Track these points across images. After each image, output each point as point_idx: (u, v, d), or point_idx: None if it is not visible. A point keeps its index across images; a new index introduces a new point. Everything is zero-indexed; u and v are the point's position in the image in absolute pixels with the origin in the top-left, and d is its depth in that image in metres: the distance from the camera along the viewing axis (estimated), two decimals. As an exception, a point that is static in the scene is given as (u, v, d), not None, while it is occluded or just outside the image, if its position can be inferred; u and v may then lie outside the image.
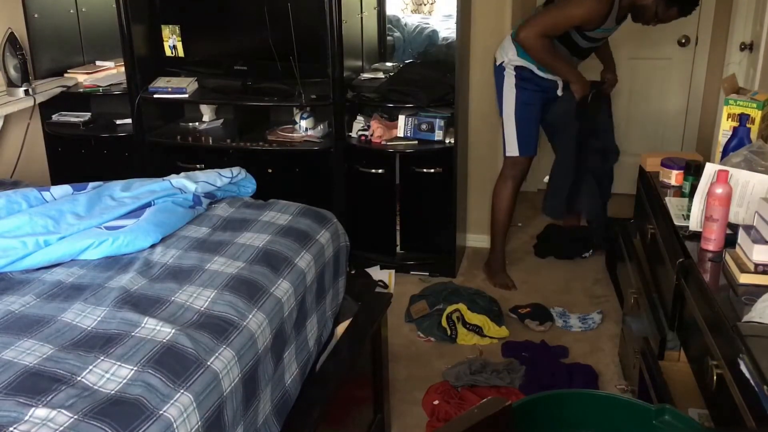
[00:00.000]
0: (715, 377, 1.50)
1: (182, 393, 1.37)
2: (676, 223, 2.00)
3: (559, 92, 3.26)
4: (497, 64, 3.27)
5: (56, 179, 3.70)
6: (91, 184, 2.22)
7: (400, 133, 3.41)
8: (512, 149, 3.28)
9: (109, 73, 3.85)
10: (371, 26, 3.85)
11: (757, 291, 1.57)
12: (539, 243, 3.84)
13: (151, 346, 1.46)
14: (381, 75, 3.64)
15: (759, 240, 1.65)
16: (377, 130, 3.41)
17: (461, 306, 3.06)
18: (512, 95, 3.22)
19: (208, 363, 1.46)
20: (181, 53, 3.64)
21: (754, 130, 2.13)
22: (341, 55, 3.33)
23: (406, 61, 3.86)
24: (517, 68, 3.18)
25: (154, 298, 1.66)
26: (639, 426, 1.48)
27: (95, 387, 1.35)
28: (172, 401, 1.34)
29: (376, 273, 3.49)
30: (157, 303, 1.64)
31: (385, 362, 2.38)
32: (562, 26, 3.04)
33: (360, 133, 3.48)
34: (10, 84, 3.43)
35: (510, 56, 3.19)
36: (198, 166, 3.39)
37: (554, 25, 3.03)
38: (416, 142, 3.40)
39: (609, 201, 3.60)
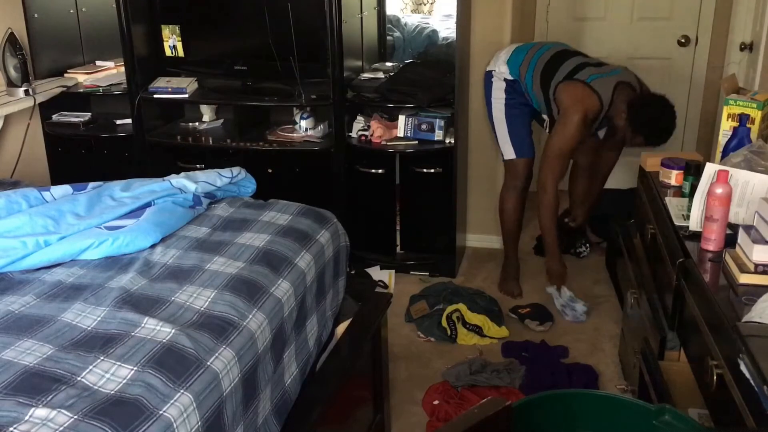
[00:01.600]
0: (715, 377, 1.50)
1: (182, 393, 1.37)
2: (676, 223, 2.00)
3: (544, 116, 3.23)
4: (487, 69, 3.29)
5: (56, 179, 3.70)
6: (91, 184, 2.22)
7: (400, 133, 3.41)
8: (508, 152, 3.27)
9: (109, 73, 3.85)
10: (371, 26, 3.85)
11: (757, 291, 1.57)
12: (538, 243, 3.84)
13: (151, 346, 1.46)
14: (381, 75, 3.64)
15: (759, 240, 1.65)
16: (377, 130, 3.41)
17: (461, 306, 3.06)
18: (501, 98, 3.22)
19: (208, 363, 1.46)
20: (181, 53, 3.64)
21: (754, 130, 2.13)
22: (341, 55, 3.33)
23: (406, 61, 3.86)
24: (508, 81, 3.20)
25: (154, 298, 1.66)
26: (639, 426, 1.48)
27: (95, 387, 1.35)
28: (172, 401, 1.34)
29: (376, 273, 3.49)
30: (157, 303, 1.64)
31: (385, 362, 2.38)
32: (567, 158, 3.14)
33: (360, 133, 3.48)
34: (10, 84, 3.43)
35: (501, 69, 3.21)
36: (198, 166, 3.39)
37: (562, 162, 3.09)
38: (416, 142, 3.40)
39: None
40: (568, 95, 2.98)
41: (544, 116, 3.21)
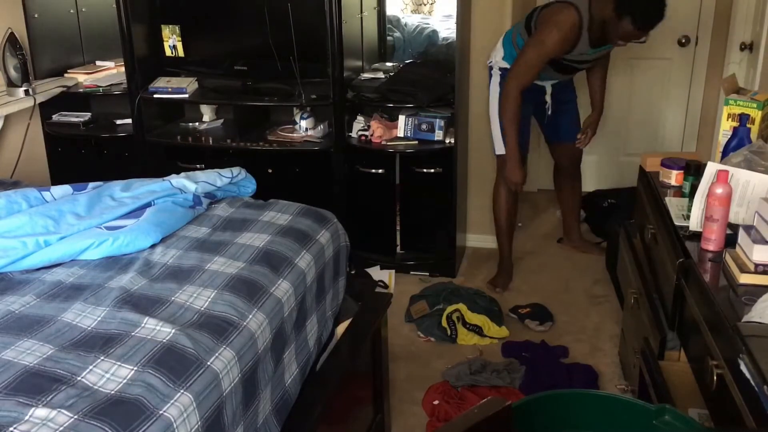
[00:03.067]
0: (715, 377, 1.50)
1: (182, 393, 1.37)
2: (676, 223, 2.00)
3: (547, 98, 3.25)
4: (488, 63, 3.31)
5: (56, 179, 3.70)
6: (91, 184, 2.22)
7: (400, 133, 3.41)
8: (499, 147, 3.28)
9: (109, 73, 3.85)
10: (371, 26, 3.85)
11: (757, 291, 1.57)
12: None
13: (151, 346, 1.46)
14: (381, 75, 3.64)
15: (759, 240, 1.65)
16: (377, 130, 3.41)
17: (461, 306, 3.06)
18: (497, 92, 3.22)
19: (208, 363, 1.46)
20: (181, 53, 3.64)
21: (754, 130, 2.13)
22: (341, 55, 3.33)
23: (406, 61, 3.86)
24: (502, 69, 3.20)
25: (154, 298, 1.66)
26: (639, 426, 1.48)
27: (95, 387, 1.35)
28: (172, 401, 1.34)
29: (376, 273, 3.49)
30: (157, 303, 1.64)
31: (385, 362, 2.38)
32: (535, 68, 3.00)
33: (360, 133, 3.48)
34: (10, 84, 3.43)
35: (497, 58, 3.22)
36: (198, 166, 3.39)
37: (527, 71, 3.00)
38: (416, 142, 3.40)
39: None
40: (544, 16, 2.98)
41: (547, 98, 3.24)
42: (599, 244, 3.86)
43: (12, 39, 3.38)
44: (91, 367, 1.40)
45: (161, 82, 3.60)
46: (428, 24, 4.30)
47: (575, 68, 3.18)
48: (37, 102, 3.49)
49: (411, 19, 4.33)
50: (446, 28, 4.16)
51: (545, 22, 2.95)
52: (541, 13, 3.01)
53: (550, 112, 3.32)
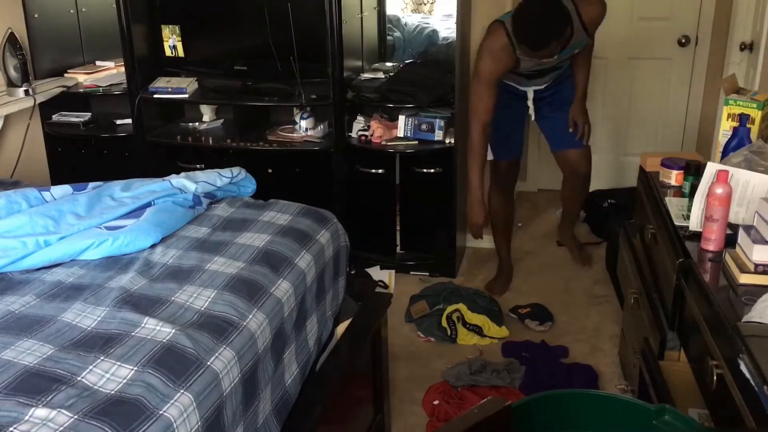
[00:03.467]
0: (715, 377, 1.50)
1: (182, 393, 1.37)
2: (676, 223, 2.00)
3: (529, 103, 3.16)
4: None
5: (56, 179, 3.70)
6: (91, 184, 2.22)
7: (400, 133, 3.41)
8: (489, 152, 3.22)
9: (109, 73, 3.85)
10: (371, 26, 3.85)
11: (757, 291, 1.57)
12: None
13: (151, 346, 1.46)
14: (381, 75, 3.64)
15: (759, 240, 1.65)
16: (377, 130, 3.41)
17: (461, 306, 3.06)
18: None
19: (208, 363, 1.46)
20: (181, 53, 3.64)
21: (754, 130, 2.13)
22: (341, 55, 3.33)
23: (406, 61, 3.86)
24: None
25: (154, 298, 1.66)
26: (639, 426, 1.48)
27: (95, 387, 1.35)
28: (172, 401, 1.34)
29: (376, 273, 3.49)
30: (157, 303, 1.64)
31: (385, 362, 2.38)
32: (485, 99, 2.87)
33: (360, 133, 3.48)
34: (10, 84, 3.43)
35: None
36: (198, 166, 3.39)
37: (480, 105, 2.89)
38: (416, 142, 3.40)
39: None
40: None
41: (528, 103, 3.18)
42: (599, 244, 3.85)
43: (12, 39, 3.38)
44: (91, 367, 1.40)
45: (161, 82, 3.60)
46: (428, 24, 4.30)
47: (544, 72, 3.04)
48: (37, 102, 3.49)
49: (411, 19, 4.33)
50: (446, 28, 4.16)
51: (479, 49, 2.90)
52: None
53: (534, 118, 3.21)
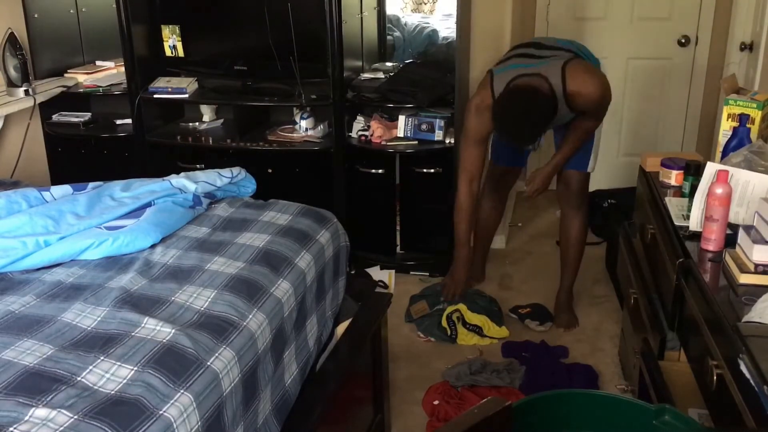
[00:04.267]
0: (715, 377, 1.50)
1: (182, 393, 1.37)
2: (676, 223, 2.00)
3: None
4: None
5: (56, 179, 3.70)
6: (91, 184, 2.22)
7: (400, 133, 3.41)
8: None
9: (109, 73, 3.85)
10: (371, 26, 3.85)
11: (757, 291, 1.57)
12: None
13: (151, 346, 1.46)
14: (381, 75, 3.64)
15: (759, 240, 1.65)
16: (377, 130, 3.41)
17: (461, 306, 3.06)
18: None
19: (208, 363, 1.46)
20: (181, 53, 3.64)
21: (754, 130, 2.13)
22: (341, 55, 3.33)
23: (406, 61, 3.86)
24: None
25: (154, 298, 1.66)
26: (639, 426, 1.48)
27: (95, 387, 1.35)
28: (172, 401, 1.34)
29: (376, 273, 3.49)
30: (157, 303, 1.64)
31: (385, 362, 2.38)
32: (472, 154, 2.88)
33: (360, 133, 3.48)
34: (10, 84, 3.43)
35: None
36: (198, 166, 3.39)
37: (467, 159, 2.90)
38: (416, 142, 3.40)
39: None
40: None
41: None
42: (599, 244, 3.85)
43: (12, 39, 3.38)
44: (91, 367, 1.40)
45: (161, 82, 3.60)
46: (428, 23, 4.30)
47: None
48: (37, 102, 3.49)
49: (411, 19, 4.33)
50: (446, 28, 4.16)
51: (467, 104, 2.88)
52: None
53: (535, 151, 3.16)
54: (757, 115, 2.12)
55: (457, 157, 3.40)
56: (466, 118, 2.87)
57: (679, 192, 2.24)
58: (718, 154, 2.19)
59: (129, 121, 3.62)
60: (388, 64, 3.89)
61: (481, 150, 2.88)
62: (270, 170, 3.50)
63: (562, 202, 3.15)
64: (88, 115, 3.76)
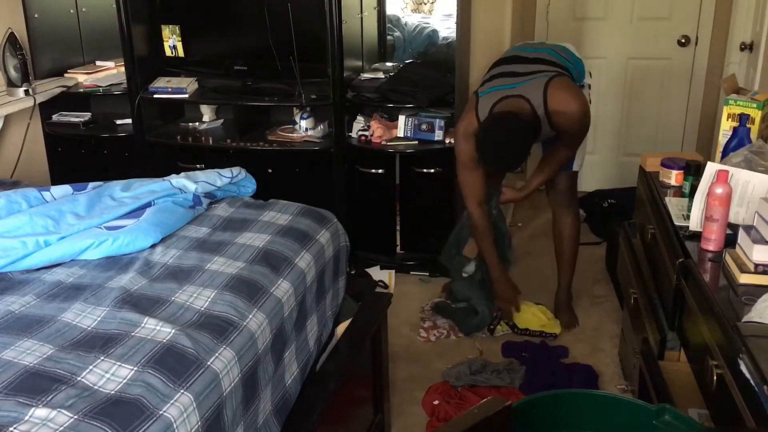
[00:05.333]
0: (715, 377, 1.50)
1: (182, 393, 1.37)
2: (676, 223, 2.00)
3: None
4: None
5: (56, 179, 3.70)
6: (91, 184, 2.22)
7: (400, 133, 3.41)
8: None
9: (109, 73, 3.86)
10: (371, 26, 3.85)
11: (757, 291, 1.57)
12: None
13: (151, 346, 1.46)
14: (381, 75, 3.64)
15: (759, 240, 1.65)
16: (377, 130, 3.41)
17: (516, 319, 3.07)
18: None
19: (208, 363, 1.46)
20: (181, 53, 3.64)
21: (754, 130, 2.13)
22: (341, 55, 3.33)
23: (406, 61, 3.86)
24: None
25: (154, 298, 1.66)
26: (639, 426, 1.48)
27: (95, 387, 1.35)
28: (172, 401, 1.34)
29: (376, 273, 3.49)
30: (157, 303, 1.64)
31: (385, 362, 2.38)
32: (469, 177, 2.84)
33: (360, 133, 3.48)
34: (10, 84, 3.44)
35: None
36: (198, 166, 3.39)
37: (466, 183, 2.87)
38: (416, 142, 3.40)
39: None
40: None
41: None
42: (599, 244, 3.85)
43: (12, 39, 3.39)
44: (91, 367, 1.40)
45: (161, 82, 3.60)
46: (428, 23, 4.30)
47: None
48: (37, 102, 3.49)
49: (411, 19, 4.33)
50: (446, 28, 4.16)
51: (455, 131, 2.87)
52: None
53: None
54: (757, 115, 2.12)
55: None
56: (455, 143, 2.86)
57: (679, 192, 2.24)
58: (718, 154, 2.19)
59: (129, 121, 3.62)
60: (388, 64, 3.89)
61: (479, 174, 2.85)
62: (270, 170, 3.50)
63: (552, 202, 3.16)
64: (88, 115, 3.76)
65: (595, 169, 4.44)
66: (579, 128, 2.74)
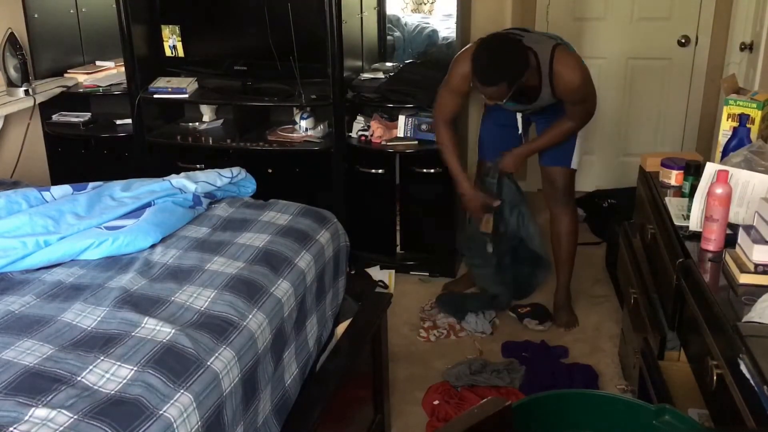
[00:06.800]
0: (715, 377, 1.50)
1: (182, 393, 1.37)
2: (676, 223, 2.00)
3: (518, 122, 3.08)
4: None
5: (56, 179, 3.70)
6: (91, 184, 2.22)
7: (400, 133, 3.41)
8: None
9: (109, 73, 3.85)
10: (371, 26, 3.85)
11: (757, 291, 1.57)
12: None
13: (151, 346, 1.46)
14: (381, 75, 3.64)
15: (759, 240, 1.65)
16: (377, 130, 3.41)
17: None
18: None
19: (208, 363, 1.46)
20: (181, 53, 3.64)
21: (754, 130, 2.13)
22: (341, 55, 3.33)
23: (406, 61, 3.85)
24: None
25: (154, 298, 1.66)
26: (639, 426, 1.48)
27: (95, 387, 1.35)
28: (172, 401, 1.34)
29: (376, 273, 3.49)
30: (157, 303, 1.64)
31: (385, 362, 2.38)
32: (446, 102, 2.88)
33: (360, 133, 3.48)
34: (10, 84, 3.43)
35: None
36: (198, 166, 3.39)
37: (440, 103, 2.90)
38: (416, 142, 3.40)
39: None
40: None
41: (518, 122, 3.09)
42: (599, 244, 3.85)
43: (12, 39, 3.38)
44: (91, 367, 1.40)
45: (161, 82, 3.60)
46: (428, 23, 4.31)
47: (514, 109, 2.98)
48: (37, 102, 3.49)
49: (411, 19, 4.34)
50: (446, 28, 4.17)
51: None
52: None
53: (520, 132, 3.11)
54: (757, 115, 2.12)
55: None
56: (450, 68, 2.85)
57: (679, 192, 2.24)
58: (718, 154, 2.19)
59: (129, 121, 3.62)
60: (388, 64, 3.89)
61: (457, 101, 2.89)
62: (270, 170, 3.50)
63: (548, 201, 3.15)
64: (88, 115, 3.76)
65: (595, 169, 4.44)
66: (581, 98, 2.74)
